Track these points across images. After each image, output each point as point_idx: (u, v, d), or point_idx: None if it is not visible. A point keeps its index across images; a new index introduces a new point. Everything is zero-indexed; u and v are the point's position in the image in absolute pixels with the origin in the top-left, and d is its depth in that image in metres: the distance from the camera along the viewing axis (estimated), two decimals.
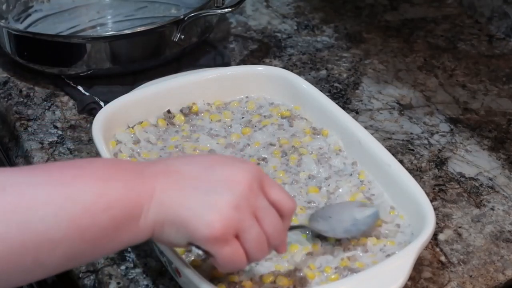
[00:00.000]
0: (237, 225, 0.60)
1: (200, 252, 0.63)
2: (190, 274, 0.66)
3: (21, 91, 1.03)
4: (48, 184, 0.57)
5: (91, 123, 0.85)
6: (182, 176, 0.61)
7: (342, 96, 1.03)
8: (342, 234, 0.73)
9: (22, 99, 1.02)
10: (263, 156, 0.84)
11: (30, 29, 1.11)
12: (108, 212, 0.57)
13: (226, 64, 1.08)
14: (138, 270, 0.76)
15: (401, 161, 0.85)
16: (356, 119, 0.86)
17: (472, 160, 0.92)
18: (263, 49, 1.15)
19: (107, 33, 1.11)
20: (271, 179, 0.64)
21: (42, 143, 0.93)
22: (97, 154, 0.87)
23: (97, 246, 0.58)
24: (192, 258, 0.72)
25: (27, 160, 0.91)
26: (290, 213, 0.64)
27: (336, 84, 1.06)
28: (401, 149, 0.93)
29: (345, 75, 1.08)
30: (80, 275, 0.78)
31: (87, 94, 1.01)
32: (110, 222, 0.57)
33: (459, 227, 0.82)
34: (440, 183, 0.88)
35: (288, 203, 0.64)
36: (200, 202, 0.59)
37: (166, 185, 0.60)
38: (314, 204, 0.78)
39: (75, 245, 0.57)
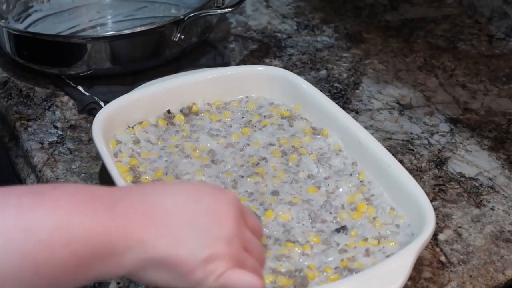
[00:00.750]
0: (233, 260, 0.58)
1: None
2: None
3: (21, 91, 1.03)
4: (2, 212, 0.50)
5: (91, 123, 0.85)
6: (164, 211, 0.57)
7: (342, 96, 1.03)
8: None
9: (22, 99, 1.02)
10: (263, 156, 0.84)
11: (30, 29, 1.11)
12: (68, 247, 0.51)
13: (226, 64, 1.08)
14: None
15: (401, 161, 0.85)
16: (356, 119, 0.86)
17: (472, 160, 0.92)
18: (263, 49, 1.15)
19: (107, 33, 1.11)
20: (244, 205, 0.63)
21: (42, 143, 0.93)
22: (97, 154, 0.87)
23: (55, 284, 0.52)
24: None
25: (27, 160, 0.91)
26: (261, 235, 0.65)
27: (336, 84, 1.06)
28: (401, 149, 0.93)
29: (345, 75, 1.08)
30: None
31: (87, 94, 1.01)
32: (71, 258, 0.51)
33: (459, 227, 0.82)
34: (440, 183, 0.88)
35: (259, 226, 0.65)
36: (193, 241, 0.56)
37: (147, 223, 0.55)
38: (313, 203, 0.78)
39: (29, 281, 0.50)
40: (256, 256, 0.62)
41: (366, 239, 0.74)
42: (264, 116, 0.90)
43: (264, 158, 0.84)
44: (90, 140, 0.93)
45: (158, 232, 0.55)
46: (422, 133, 0.97)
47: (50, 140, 0.94)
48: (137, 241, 0.54)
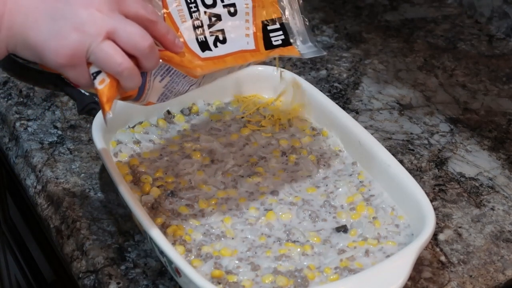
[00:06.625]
0: (86, 49, 0.60)
1: None
2: (190, 274, 0.66)
3: (21, 91, 1.03)
4: None
5: (91, 123, 0.85)
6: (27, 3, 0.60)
7: (342, 96, 1.03)
8: None
9: (22, 99, 1.02)
10: (262, 155, 0.85)
11: None
12: None
13: None
14: (138, 270, 0.76)
15: (401, 161, 0.85)
16: (356, 119, 0.86)
17: (472, 160, 0.92)
18: None
19: None
20: None
21: (42, 143, 0.93)
22: (97, 154, 0.87)
23: None
24: (192, 258, 0.72)
25: (27, 160, 0.91)
26: (150, 20, 0.64)
27: (336, 84, 1.06)
28: (401, 149, 0.93)
29: (345, 75, 1.08)
30: (80, 275, 0.78)
31: (87, 94, 1.01)
32: None
33: (459, 227, 0.82)
34: (440, 183, 0.88)
35: (143, 12, 0.63)
36: (47, 27, 0.60)
37: (15, 7, 0.60)
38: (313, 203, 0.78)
39: None
40: (124, 42, 0.61)
41: (366, 239, 0.74)
42: (264, 116, 0.90)
43: (263, 158, 0.84)
44: (90, 140, 0.93)
45: (21, 18, 0.60)
46: (422, 133, 0.97)
47: (50, 140, 0.94)
48: (6, 27, 0.61)
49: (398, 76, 1.09)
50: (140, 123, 0.88)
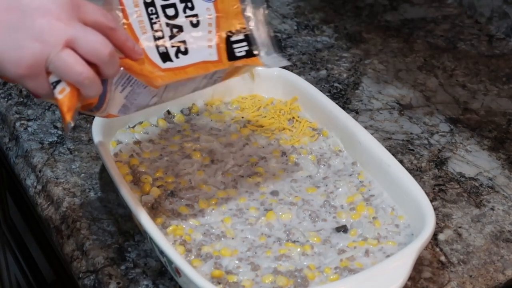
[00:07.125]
0: (45, 59, 0.59)
1: None
2: (190, 274, 0.66)
3: (21, 91, 1.03)
4: None
5: (91, 123, 0.85)
6: None
7: (342, 96, 1.03)
8: None
9: (22, 99, 1.02)
10: (262, 155, 0.85)
11: None
12: None
13: None
14: (138, 270, 0.76)
15: (401, 161, 0.85)
16: (356, 119, 0.86)
17: (472, 160, 0.92)
18: None
19: None
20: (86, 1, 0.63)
21: (42, 143, 0.93)
22: (97, 154, 0.87)
23: None
24: (192, 258, 0.72)
25: (27, 160, 0.91)
26: (108, 27, 0.63)
27: (336, 84, 1.06)
28: (401, 149, 0.93)
29: (345, 75, 1.08)
30: (80, 275, 0.78)
31: None
32: None
33: (459, 227, 0.82)
34: (440, 183, 0.88)
35: (101, 18, 0.63)
36: (5, 38, 0.59)
37: None
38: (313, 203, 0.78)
39: None
40: (85, 50, 0.61)
41: (366, 239, 0.74)
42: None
43: (263, 158, 0.84)
44: (90, 140, 0.93)
45: None
46: (422, 133, 0.97)
47: (50, 140, 0.94)
48: None
49: (398, 76, 1.09)
50: (140, 123, 0.88)
